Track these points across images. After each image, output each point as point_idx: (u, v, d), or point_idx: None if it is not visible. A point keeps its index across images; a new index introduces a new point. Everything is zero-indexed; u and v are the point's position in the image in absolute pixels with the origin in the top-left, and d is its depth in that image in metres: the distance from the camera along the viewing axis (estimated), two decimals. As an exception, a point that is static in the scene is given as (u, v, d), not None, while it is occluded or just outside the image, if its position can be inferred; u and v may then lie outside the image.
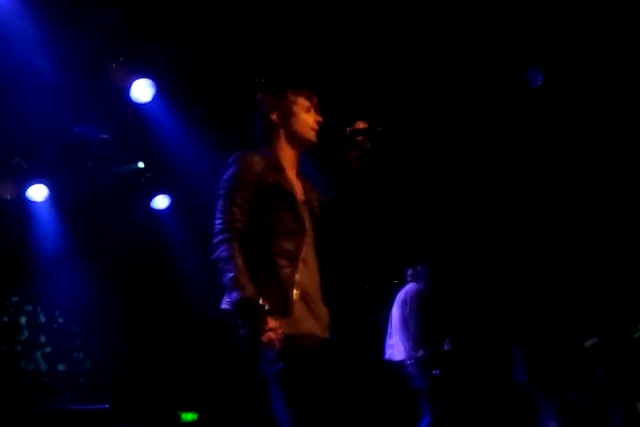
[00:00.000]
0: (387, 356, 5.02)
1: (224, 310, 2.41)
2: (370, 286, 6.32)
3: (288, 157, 2.73)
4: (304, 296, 2.48)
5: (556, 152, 5.86)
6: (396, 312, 5.04)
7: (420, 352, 4.82)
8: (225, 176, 2.58)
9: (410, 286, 5.14)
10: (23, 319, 6.08)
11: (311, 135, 2.74)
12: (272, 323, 2.30)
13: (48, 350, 6.16)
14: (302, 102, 2.76)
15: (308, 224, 2.64)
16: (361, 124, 2.74)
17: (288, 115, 2.73)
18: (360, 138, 2.74)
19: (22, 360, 5.92)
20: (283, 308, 2.40)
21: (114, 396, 5.85)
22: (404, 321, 4.93)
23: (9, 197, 5.62)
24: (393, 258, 5.42)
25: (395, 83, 5.38)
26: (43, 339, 6.16)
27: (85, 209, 6.06)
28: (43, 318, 6.23)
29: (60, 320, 6.35)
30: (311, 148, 2.78)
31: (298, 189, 2.69)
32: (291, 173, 2.71)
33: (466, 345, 5.39)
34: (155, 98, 5.30)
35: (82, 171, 5.83)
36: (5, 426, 5.07)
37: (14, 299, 6.04)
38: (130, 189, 6.20)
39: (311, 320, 2.48)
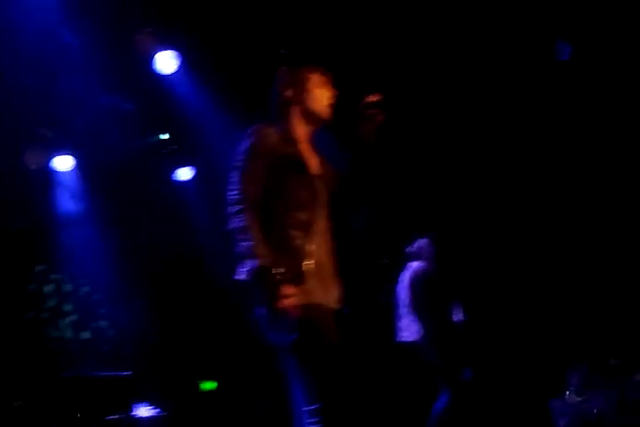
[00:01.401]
0: (400, 338, 4.98)
1: (238, 280, 2.44)
2: (389, 259, 6.29)
3: (302, 132, 2.75)
4: (316, 267, 2.51)
5: (579, 129, 5.76)
6: (403, 293, 4.98)
7: (432, 331, 4.79)
8: (241, 148, 2.61)
9: (416, 265, 5.04)
10: (49, 288, 6.16)
11: (325, 111, 2.76)
12: (288, 290, 2.34)
13: (74, 318, 6.26)
14: (317, 78, 2.77)
15: (322, 196, 2.67)
16: (374, 98, 2.74)
17: (302, 91, 2.74)
18: (374, 111, 2.74)
19: (48, 328, 6.02)
20: (295, 277, 2.43)
21: (136, 364, 5.94)
22: (416, 301, 4.88)
23: (34, 167, 5.68)
24: (408, 232, 5.36)
25: (414, 53, 5.32)
26: (68, 307, 6.25)
27: (110, 180, 6.12)
28: (69, 287, 6.32)
29: (86, 289, 6.44)
30: (326, 123, 2.79)
31: (313, 162, 2.71)
32: (305, 147, 2.73)
33: (477, 320, 5.36)
34: (179, 69, 5.30)
35: (107, 142, 5.86)
36: (31, 391, 5.19)
37: (41, 267, 6.12)
38: (154, 161, 6.23)
39: (321, 291, 2.52)
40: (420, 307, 4.87)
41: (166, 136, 6.17)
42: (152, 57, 5.17)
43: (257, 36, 5.17)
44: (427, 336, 4.79)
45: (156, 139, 6.12)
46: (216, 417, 5.97)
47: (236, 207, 2.46)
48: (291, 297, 2.34)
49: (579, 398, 5.14)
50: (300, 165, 2.63)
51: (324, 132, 2.86)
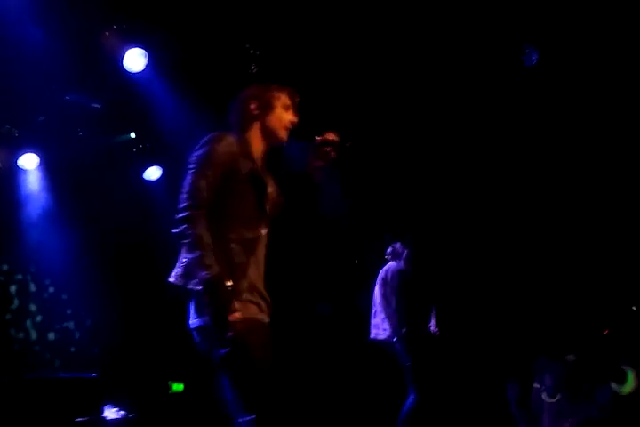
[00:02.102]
0: (372, 335, 5.08)
1: (172, 283, 2.43)
2: (360, 261, 6.34)
3: (258, 148, 2.71)
4: (250, 286, 2.51)
5: (552, 133, 5.86)
6: (377, 292, 5.09)
7: (404, 330, 4.86)
8: (198, 153, 2.54)
9: (390, 265, 5.16)
10: (13, 288, 6.08)
11: (283, 133, 2.72)
12: (236, 304, 2.35)
13: (38, 318, 6.18)
14: (283, 99, 2.74)
15: (268, 216, 2.65)
16: (331, 136, 2.73)
17: (267, 107, 2.71)
18: (328, 149, 2.72)
19: (12, 329, 5.93)
20: (234, 291, 2.40)
21: (104, 366, 5.89)
22: (386, 300, 4.98)
23: (0, 166, 5.60)
24: (383, 234, 5.42)
25: (384, 65, 5.38)
26: (33, 308, 6.17)
27: (76, 179, 6.05)
28: (33, 287, 6.24)
29: (51, 290, 6.36)
30: (279, 145, 2.76)
31: (265, 180, 2.67)
32: (259, 164, 2.69)
33: (450, 324, 5.44)
34: (147, 67, 5.26)
35: (73, 140, 5.80)
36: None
37: (4, 267, 6.04)
38: (122, 160, 6.17)
39: (254, 306, 2.51)
40: (392, 306, 4.95)
41: (132, 136, 6.11)
42: (120, 55, 5.11)
43: (227, 33, 5.16)
44: (396, 335, 4.85)
45: (123, 138, 6.06)
46: (184, 419, 5.95)
47: (187, 212, 2.41)
48: (236, 311, 2.34)
49: (551, 400, 5.22)
50: (256, 181, 2.60)
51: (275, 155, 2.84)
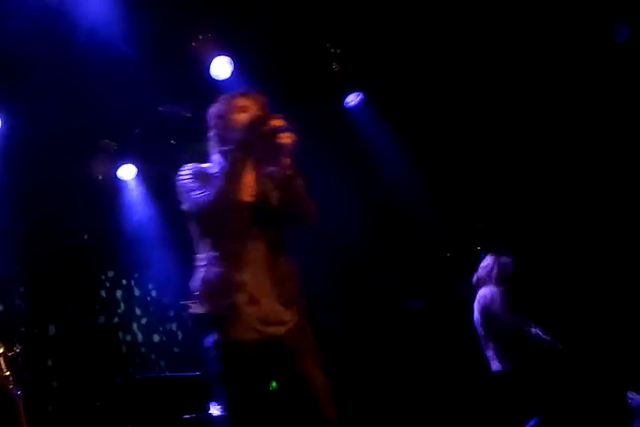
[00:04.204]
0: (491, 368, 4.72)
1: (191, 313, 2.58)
2: (452, 254, 6.24)
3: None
4: (252, 299, 2.47)
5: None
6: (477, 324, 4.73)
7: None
8: (179, 184, 2.60)
9: (482, 292, 4.71)
10: (119, 293, 6.34)
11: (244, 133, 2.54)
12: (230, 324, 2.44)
13: (143, 321, 6.42)
14: (236, 104, 2.64)
15: (253, 226, 2.55)
16: (278, 122, 2.50)
17: (223, 122, 2.63)
18: (282, 134, 2.49)
19: (120, 332, 6.18)
20: (230, 313, 2.43)
21: (206, 364, 6.04)
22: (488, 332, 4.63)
23: (100, 177, 5.85)
24: (473, 224, 5.26)
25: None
26: (138, 311, 6.42)
27: (172, 185, 6.23)
28: (137, 292, 6.48)
29: (154, 293, 6.60)
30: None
31: (246, 186, 2.52)
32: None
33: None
34: (233, 74, 5.39)
35: (167, 149, 6.00)
36: (105, 394, 5.36)
37: (110, 274, 6.29)
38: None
39: (259, 323, 2.47)
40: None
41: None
42: (207, 63, 5.26)
43: (309, 37, 5.22)
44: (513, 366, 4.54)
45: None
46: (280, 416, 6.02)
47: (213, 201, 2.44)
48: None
49: None
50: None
51: None
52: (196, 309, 2.48)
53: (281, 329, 2.51)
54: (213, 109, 2.70)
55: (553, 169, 6.08)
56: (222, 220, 2.47)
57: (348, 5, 5.02)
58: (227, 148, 2.54)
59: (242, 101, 2.63)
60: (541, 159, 6.09)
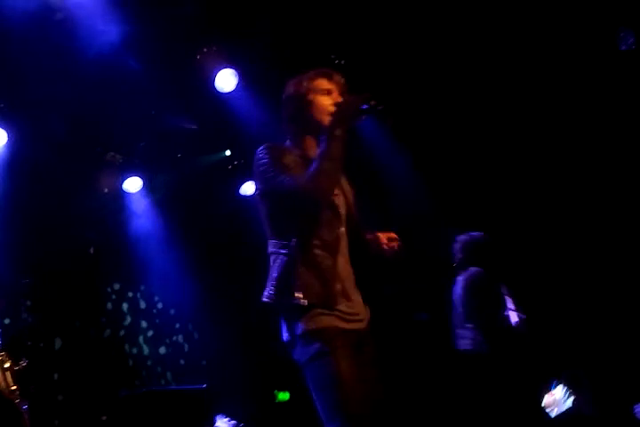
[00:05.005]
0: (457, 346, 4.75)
1: (265, 302, 2.48)
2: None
3: (314, 147, 2.57)
4: (344, 290, 2.47)
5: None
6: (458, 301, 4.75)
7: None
8: (261, 164, 2.50)
9: (469, 271, 4.75)
10: (125, 305, 6.34)
11: (327, 120, 2.52)
12: (320, 313, 2.38)
13: (149, 334, 6.42)
14: (318, 85, 2.60)
15: (343, 212, 2.59)
16: (388, 236, 2.61)
17: (304, 104, 2.57)
18: (391, 244, 2.59)
19: (126, 344, 6.17)
20: (327, 302, 2.41)
21: (212, 376, 6.04)
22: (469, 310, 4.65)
23: (106, 190, 5.87)
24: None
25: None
26: (144, 324, 6.42)
27: (177, 198, 6.27)
28: (143, 304, 6.48)
29: (159, 306, 6.60)
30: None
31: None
32: None
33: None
34: (238, 87, 5.42)
35: (172, 161, 6.02)
36: (111, 407, 5.34)
37: (116, 286, 6.29)
38: (218, 177, 6.36)
39: (349, 314, 2.46)
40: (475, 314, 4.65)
41: (228, 153, 6.29)
42: (213, 76, 5.29)
43: (313, 48, 5.25)
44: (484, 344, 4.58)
45: (219, 156, 6.24)
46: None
47: (298, 192, 2.40)
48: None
49: None
50: None
51: None
52: (281, 297, 2.42)
53: (362, 325, 2.53)
54: (293, 88, 2.64)
55: (553, 173, 6.08)
56: (322, 203, 2.45)
57: (353, 17, 5.05)
58: (321, 131, 2.49)
59: (325, 83, 2.60)
60: (542, 164, 6.09)
